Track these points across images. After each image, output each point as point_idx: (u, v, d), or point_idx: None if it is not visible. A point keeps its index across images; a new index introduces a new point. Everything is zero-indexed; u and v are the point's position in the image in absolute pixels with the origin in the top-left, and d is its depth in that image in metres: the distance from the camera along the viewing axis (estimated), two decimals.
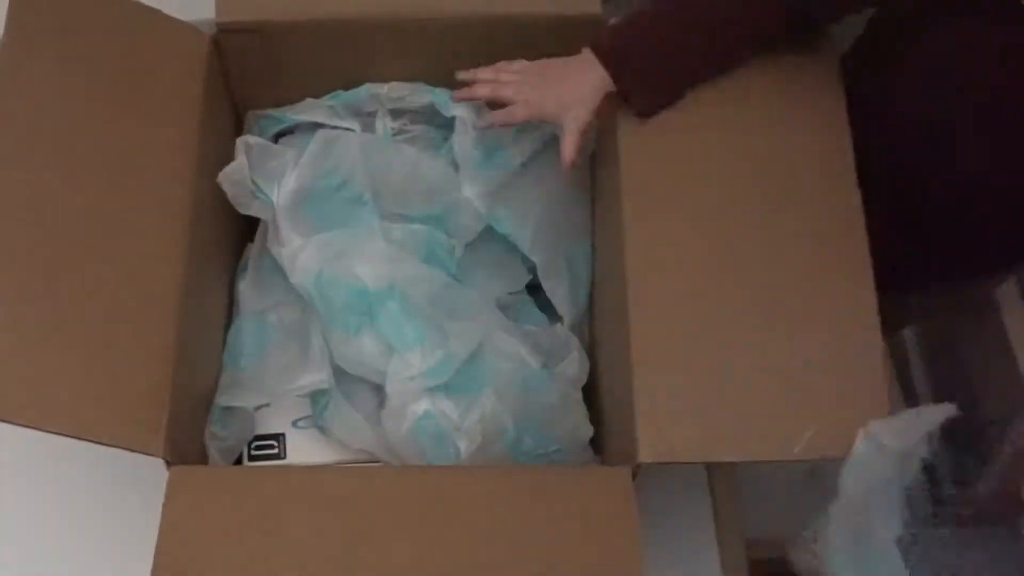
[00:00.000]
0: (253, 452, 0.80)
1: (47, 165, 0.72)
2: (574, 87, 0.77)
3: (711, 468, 0.86)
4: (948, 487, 0.90)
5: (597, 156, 0.86)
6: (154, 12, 0.80)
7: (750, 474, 1.01)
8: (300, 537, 0.65)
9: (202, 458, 0.77)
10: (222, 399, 0.78)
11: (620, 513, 0.63)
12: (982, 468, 1.03)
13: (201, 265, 0.77)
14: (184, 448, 0.72)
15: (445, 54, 0.86)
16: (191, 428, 0.76)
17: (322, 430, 0.80)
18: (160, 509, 0.66)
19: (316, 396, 0.80)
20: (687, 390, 0.68)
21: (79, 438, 0.66)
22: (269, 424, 0.82)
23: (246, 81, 0.87)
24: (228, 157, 0.82)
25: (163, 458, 0.68)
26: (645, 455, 0.66)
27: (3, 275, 0.67)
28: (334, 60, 0.87)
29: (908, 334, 1.46)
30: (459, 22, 0.84)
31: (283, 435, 0.81)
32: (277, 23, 0.83)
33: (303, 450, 0.81)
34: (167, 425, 0.68)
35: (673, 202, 0.74)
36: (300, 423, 0.82)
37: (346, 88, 0.89)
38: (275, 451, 0.81)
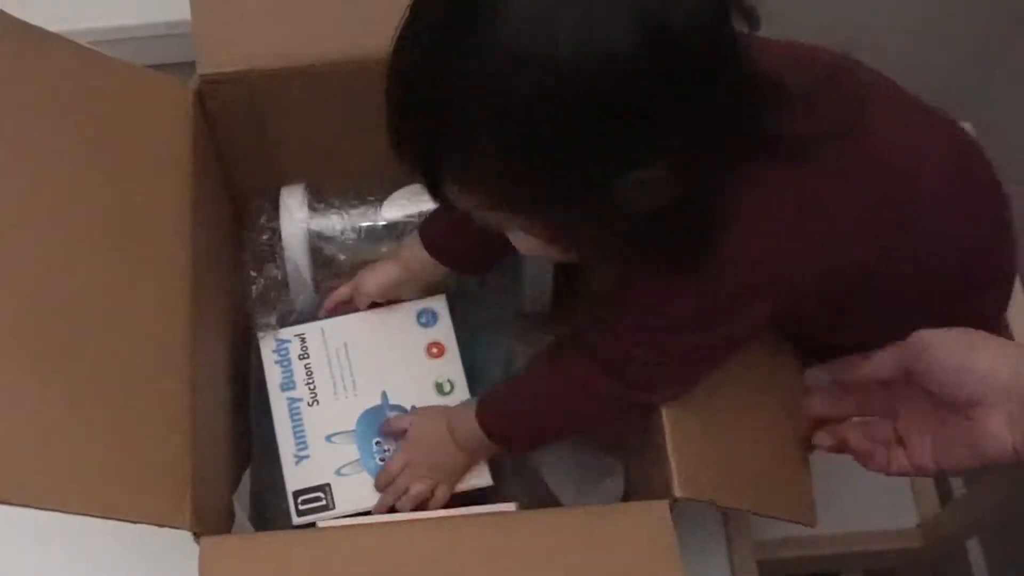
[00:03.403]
0: (300, 507, 0.78)
1: (43, 235, 0.70)
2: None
3: None
4: None
5: None
6: (138, 69, 0.78)
7: None
8: None
9: (225, 523, 0.76)
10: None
11: (663, 548, 0.63)
12: None
13: (206, 322, 0.75)
14: (207, 516, 0.70)
15: None
16: (213, 493, 0.74)
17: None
18: None
19: None
20: (713, 433, 0.70)
21: (105, 517, 0.64)
22: (311, 476, 0.79)
23: (234, 132, 0.86)
24: (220, 212, 0.81)
25: (191, 530, 0.66)
26: (682, 490, 0.66)
27: (12, 358, 0.65)
28: (321, 105, 0.86)
29: None
30: None
31: (328, 485, 0.79)
32: (261, 71, 0.82)
33: (351, 497, 0.79)
34: (192, 496, 0.67)
35: None
36: (344, 470, 0.79)
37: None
38: (323, 503, 0.79)
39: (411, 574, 0.65)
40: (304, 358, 0.84)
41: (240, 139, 0.87)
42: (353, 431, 0.81)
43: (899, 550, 1.25)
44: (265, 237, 0.89)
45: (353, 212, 0.89)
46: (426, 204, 0.89)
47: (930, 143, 0.70)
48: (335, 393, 0.82)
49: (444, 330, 0.85)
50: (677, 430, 0.68)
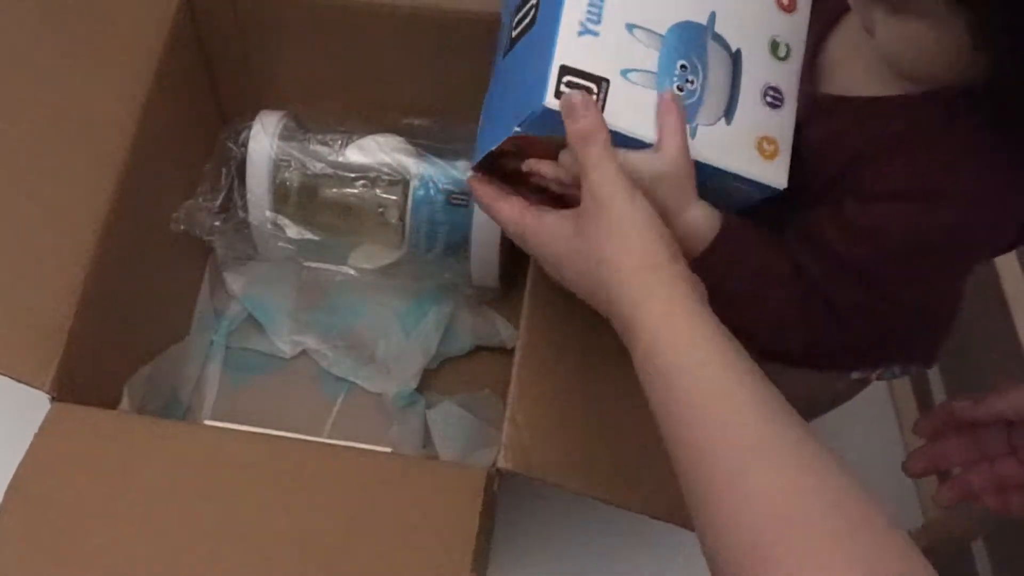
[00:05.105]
0: (561, 88, 0.60)
1: None
2: None
3: None
4: None
5: None
6: None
7: None
8: (154, 491, 0.66)
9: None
10: None
11: (462, 513, 0.63)
12: None
13: (132, 215, 0.78)
14: (86, 392, 0.72)
15: (444, 46, 0.86)
16: (103, 375, 0.77)
17: None
18: None
19: None
20: (560, 416, 0.68)
21: None
22: (591, 59, 0.60)
23: (218, 44, 0.89)
24: (195, 120, 0.83)
25: (48, 393, 0.70)
26: (505, 461, 0.65)
27: None
28: (321, 43, 0.88)
29: None
30: (458, 16, 0.83)
31: (607, 81, 0.61)
32: None
33: (628, 114, 0.61)
34: (59, 362, 0.70)
35: None
36: (633, 76, 0.61)
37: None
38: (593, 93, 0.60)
39: (228, 481, 0.67)
40: None
41: (227, 55, 0.90)
42: (661, 36, 0.63)
43: None
44: (237, 156, 0.91)
45: (324, 149, 0.90)
46: (393, 155, 0.91)
47: None
48: None
49: None
50: (521, 405, 0.67)
